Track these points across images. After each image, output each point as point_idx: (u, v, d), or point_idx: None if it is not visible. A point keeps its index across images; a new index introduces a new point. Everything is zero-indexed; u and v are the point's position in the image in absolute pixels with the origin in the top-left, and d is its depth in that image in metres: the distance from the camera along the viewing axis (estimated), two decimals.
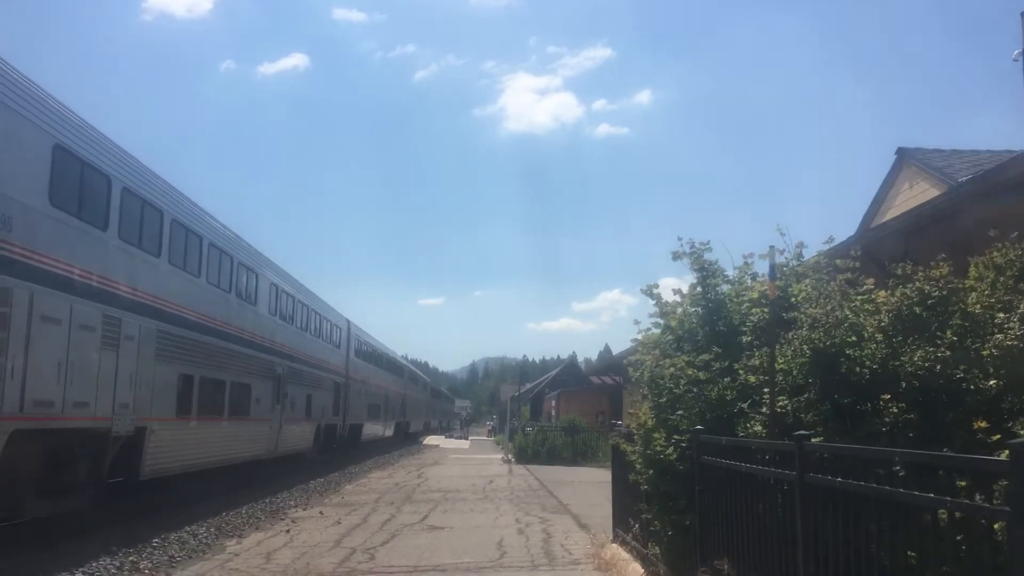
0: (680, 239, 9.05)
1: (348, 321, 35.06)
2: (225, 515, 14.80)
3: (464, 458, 38.37)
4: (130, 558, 10.44)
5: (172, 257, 15.18)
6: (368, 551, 11.25)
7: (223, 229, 18.72)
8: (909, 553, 3.99)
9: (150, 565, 10.15)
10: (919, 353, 5.83)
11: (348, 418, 33.75)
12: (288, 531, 13.10)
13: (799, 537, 4.95)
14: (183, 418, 15.56)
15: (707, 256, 8.92)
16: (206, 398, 16.64)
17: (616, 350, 43.21)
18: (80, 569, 9.62)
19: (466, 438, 69.18)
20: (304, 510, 16.14)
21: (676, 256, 9.04)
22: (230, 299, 18.58)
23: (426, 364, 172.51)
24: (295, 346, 24.69)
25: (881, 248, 10.47)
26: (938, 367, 5.52)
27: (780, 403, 6.51)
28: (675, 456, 7.46)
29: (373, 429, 41.62)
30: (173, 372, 14.99)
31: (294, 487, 20.60)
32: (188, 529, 12.92)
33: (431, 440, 64.59)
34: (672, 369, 8.02)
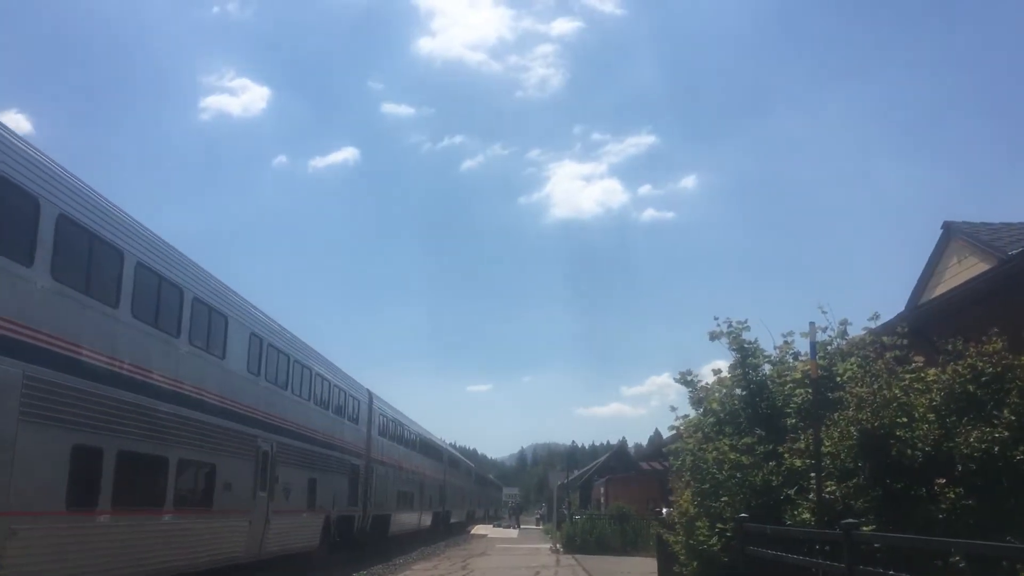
0: (716, 319, 8.84)
1: (370, 392, 30.00)
2: None
3: (512, 547, 37.46)
4: None
5: (56, 270, 10.28)
6: None
7: (159, 242, 13.66)
8: None
9: None
10: (975, 434, 5.51)
11: (371, 507, 28.58)
12: None
13: None
14: (79, 511, 10.71)
15: (745, 335, 8.70)
16: (128, 482, 11.80)
17: (666, 434, 42.44)
18: None
19: (516, 527, 67.85)
20: None
21: (713, 336, 8.81)
22: (176, 345, 13.54)
23: (474, 451, 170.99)
24: (291, 417, 19.54)
25: (930, 325, 10.10)
26: (996, 448, 5.19)
27: (828, 488, 6.17)
28: (719, 546, 7.09)
29: (404, 520, 36.21)
30: (59, 442, 10.19)
31: None
32: None
33: (479, 529, 63.44)
34: (715, 453, 7.70)
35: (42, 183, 9.96)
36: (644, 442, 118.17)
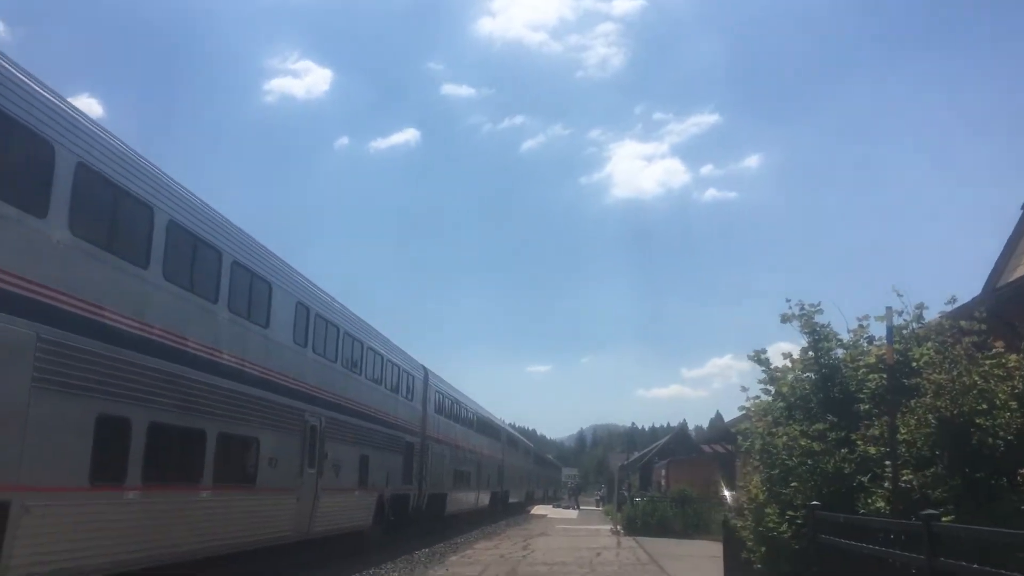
0: (789, 301, 8.66)
1: (425, 369, 29.18)
2: None
3: (571, 528, 37.53)
4: None
5: (75, 224, 9.48)
6: None
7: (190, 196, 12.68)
8: None
9: None
10: None
11: (426, 486, 28.02)
12: None
13: None
14: (105, 487, 10.02)
15: (818, 318, 8.51)
16: (161, 456, 11.17)
17: (728, 417, 41.97)
18: None
19: (575, 507, 67.94)
20: None
21: (785, 319, 8.64)
22: (213, 311, 12.86)
23: (533, 431, 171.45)
24: (341, 392, 18.88)
25: (1010, 308, 9.76)
26: None
27: (904, 477, 6.01)
28: (789, 533, 6.97)
29: (461, 499, 35.69)
30: (80, 412, 9.52)
31: (399, 557, 20.42)
32: None
33: (538, 510, 63.69)
34: (784, 439, 7.56)
35: (58, 129, 9.32)
36: (705, 424, 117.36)
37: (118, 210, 10.62)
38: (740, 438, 9.08)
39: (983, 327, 7.33)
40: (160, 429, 11.02)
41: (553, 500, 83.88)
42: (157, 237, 11.17)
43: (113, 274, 10.22)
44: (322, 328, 17.77)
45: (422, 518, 27.64)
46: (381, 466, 21.85)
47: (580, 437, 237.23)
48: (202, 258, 12.63)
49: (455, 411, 34.46)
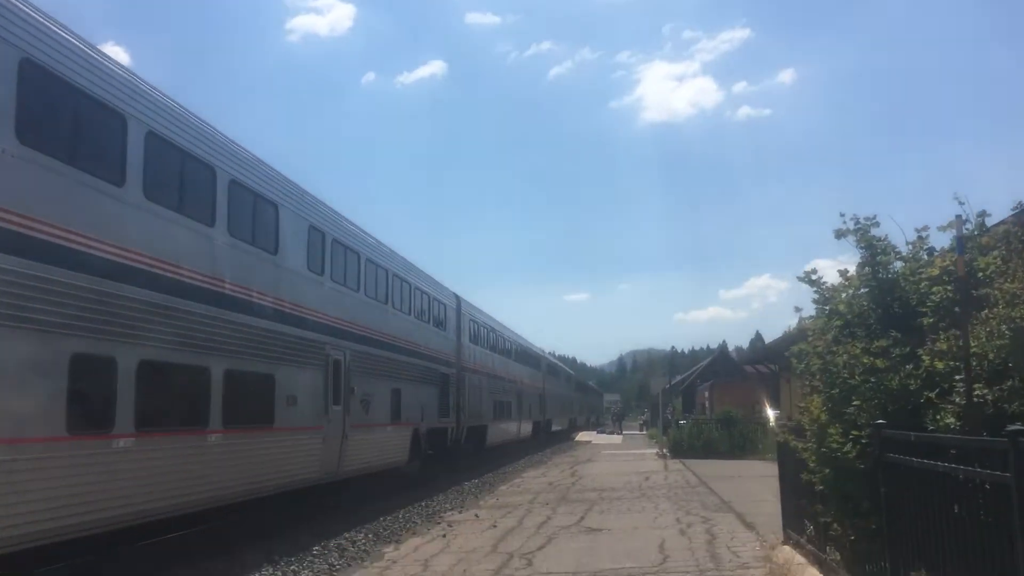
0: (843, 215, 8.30)
1: (458, 297, 27.95)
2: (383, 520, 14.93)
3: (617, 454, 37.82)
4: (291, 567, 10.56)
5: (24, 130, 8.26)
6: (525, 556, 10.97)
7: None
8: None
9: (310, 574, 10.20)
10: None
11: (464, 418, 27.09)
12: (444, 536, 13.00)
13: (1017, 548, 4.26)
14: (88, 435, 8.98)
15: (874, 231, 8.14)
16: (156, 399, 10.12)
17: (768, 337, 41.72)
18: None
19: (619, 433, 68.46)
20: (460, 513, 16.08)
21: (839, 234, 8.29)
22: (209, 235, 11.61)
23: (573, 359, 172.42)
24: (365, 322, 17.77)
25: None
26: None
27: (977, 391, 5.76)
28: (854, 453, 6.76)
29: (502, 430, 34.91)
30: (49, 351, 8.34)
31: (449, 488, 20.67)
32: (347, 536, 13.05)
33: (582, 436, 64.31)
34: (845, 357, 7.31)
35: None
36: (744, 345, 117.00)
37: (83, 120, 9.43)
38: (795, 360, 8.81)
39: None
40: (154, 369, 9.95)
41: (596, 427, 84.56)
42: (133, 151, 9.91)
43: (81, 192, 9.06)
44: (340, 255, 16.66)
45: (462, 452, 26.96)
46: (415, 400, 21.05)
47: (620, 363, 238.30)
48: (192, 175, 11.37)
49: (491, 340, 33.54)
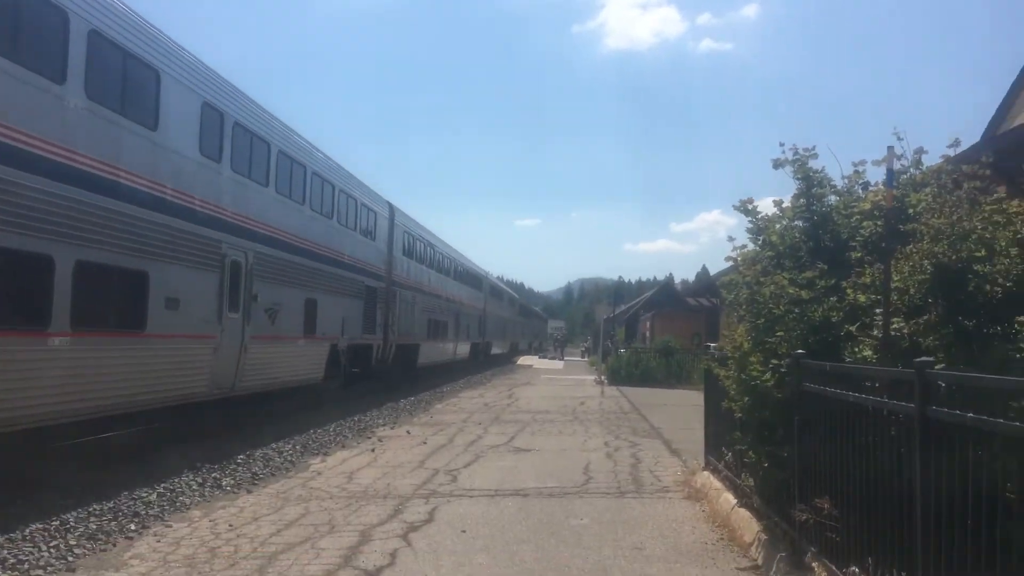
0: (782, 145, 8.22)
1: (391, 205, 25.76)
2: (313, 432, 14.88)
3: (556, 379, 38.26)
4: (213, 474, 10.47)
5: None
6: (450, 472, 11.03)
7: None
8: None
9: (232, 482, 10.13)
10: None
11: (393, 336, 25.22)
12: (373, 450, 13.01)
13: (916, 477, 4.30)
14: None
15: (812, 164, 8.09)
16: None
17: (714, 271, 42.06)
18: (162, 484, 9.66)
19: (560, 359, 69.29)
20: (392, 429, 16.11)
21: (777, 164, 8.23)
22: (54, 92, 9.57)
23: (521, 284, 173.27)
24: (275, 223, 15.81)
25: (1010, 157, 9.37)
26: None
27: (895, 325, 5.79)
28: (773, 382, 6.80)
29: (437, 350, 33.28)
30: None
31: (384, 405, 20.69)
32: (275, 446, 12.99)
33: (525, 360, 64.98)
34: (772, 287, 7.31)
35: None
36: (691, 278, 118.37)
37: None
38: (725, 291, 8.82)
39: (988, 173, 6.94)
40: None
41: (539, 352, 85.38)
42: None
43: None
44: (245, 142, 14.53)
45: (390, 371, 25.58)
46: (334, 313, 19.31)
47: (568, 290, 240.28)
48: (34, 18, 9.34)
49: (428, 255, 31.70)
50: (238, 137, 14.18)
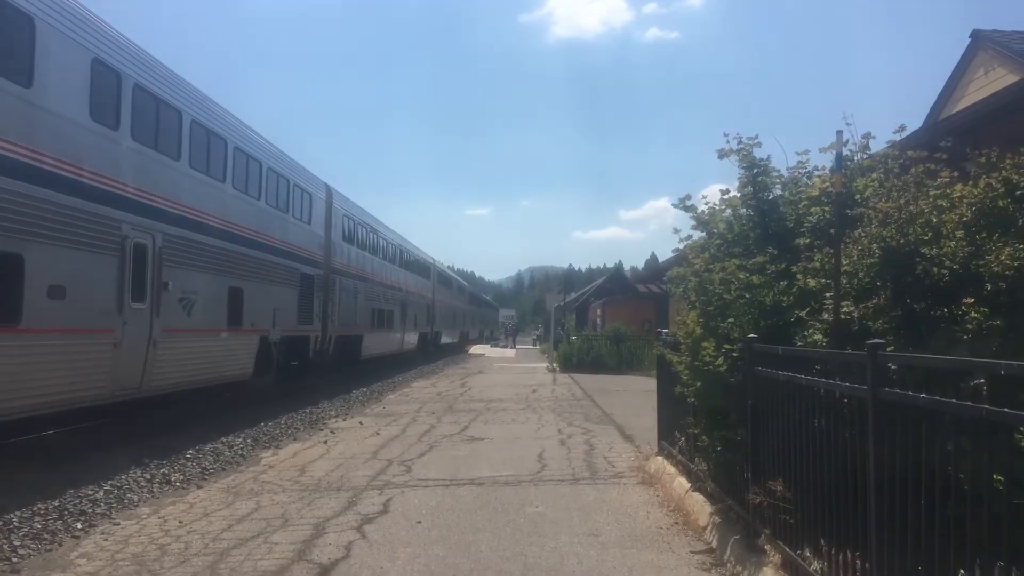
0: (726, 135, 8.27)
1: (328, 187, 24.17)
2: (264, 425, 14.67)
3: (509, 367, 38.29)
4: (161, 470, 10.25)
5: None
6: (404, 463, 10.95)
7: None
8: (996, 477, 3.40)
9: (182, 477, 9.94)
10: (1007, 251, 5.15)
11: (333, 326, 23.93)
12: (326, 442, 12.87)
13: (869, 458, 4.36)
14: None
15: (757, 153, 8.15)
16: None
17: (663, 258, 42.41)
18: (109, 481, 9.43)
19: (512, 347, 69.37)
20: (344, 420, 15.96)
21: (722, 154, 8.27)
22: None
23: (472, 273, 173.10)
24: (194, 204, 14.31)
25: (953, 141, 9.57)
26: None
27: (845, 309, 5.86)
28: (725, 367, 6.86)
29: (382, 340, 31.77)
30: None
31: (336, 397, 20.50)
32: (224, 440, 12.78)
33: (476, 350, 64.96)
34: (722, 274, 7.36)
35: None
36: (640, 265, 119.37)
37: None
38: (672, 285, 8.89)
39: (936, 155, 7.06)
40: None
41: (490, 341, 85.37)
42: None
43: None
44: (150, 109, 12.83)
45: (329, 363, 24.23)
46: (264, 303, 17.84)
47: (518, 279, 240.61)
48: None
49: (371, 241, 29.96)
50: (141, 103, 12.53)
